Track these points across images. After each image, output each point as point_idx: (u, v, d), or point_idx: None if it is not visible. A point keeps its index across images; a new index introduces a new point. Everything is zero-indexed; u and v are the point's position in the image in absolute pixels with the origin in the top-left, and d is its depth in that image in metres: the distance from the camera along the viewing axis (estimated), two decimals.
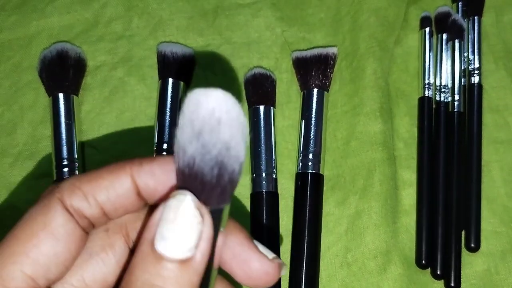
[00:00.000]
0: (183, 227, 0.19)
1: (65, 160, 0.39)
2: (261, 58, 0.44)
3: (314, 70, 0.41)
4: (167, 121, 0.40)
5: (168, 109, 0.40)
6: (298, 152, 0.41)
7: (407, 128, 0.43)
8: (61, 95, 0.40)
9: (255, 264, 0.22)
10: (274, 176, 0.40)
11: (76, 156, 0.40)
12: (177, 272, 0.19)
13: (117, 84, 0.43)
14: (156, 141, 0.40)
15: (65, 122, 0.40)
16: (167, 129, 0.40)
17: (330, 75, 0.42)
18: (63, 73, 0.41)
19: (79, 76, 0.42)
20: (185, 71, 0.42)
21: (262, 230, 0.39)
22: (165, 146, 0.40)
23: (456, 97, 0.43)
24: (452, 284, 0.39)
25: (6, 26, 0.44)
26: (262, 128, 0.41)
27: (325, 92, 0.41)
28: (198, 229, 0.19)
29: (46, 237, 0.20)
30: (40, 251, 0.19)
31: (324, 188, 0.41)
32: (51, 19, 0.44)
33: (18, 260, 0.19)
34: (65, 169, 0.39)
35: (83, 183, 0.21)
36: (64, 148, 0.39)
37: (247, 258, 0.22)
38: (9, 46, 0.44)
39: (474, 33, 0.45)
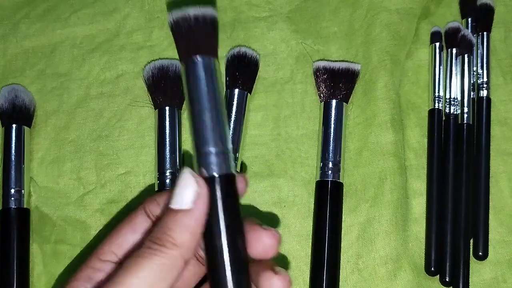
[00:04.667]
0: (183, 188, 0.27)
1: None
2: (276, 70, 0.45)
3: (342, 82, 0.43)
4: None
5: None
6: (318, 161, 0.42)
7: (417, 139, 0.45)
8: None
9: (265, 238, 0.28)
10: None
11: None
12: (180, 218, 0.27)
13: (139, 93, 0.44)
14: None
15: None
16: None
17: (353, 88, 0.43)
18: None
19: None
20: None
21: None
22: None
23: (465, 109, 0.44)
24: None
25: (30, 33, 0.46)
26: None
27: (345, 104, 0.43)
28: (194, 190, 0.27)
29: (127, 230, 0.29)
30: (123, 238, 0.29)
31: None
32: (74, 29, 0.46)
33: (108, 242, 0.29)
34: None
35: (158, 196, 0.30)
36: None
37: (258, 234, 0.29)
38: (33, 53, 0.45)
39: (483, 48, 0.46)
